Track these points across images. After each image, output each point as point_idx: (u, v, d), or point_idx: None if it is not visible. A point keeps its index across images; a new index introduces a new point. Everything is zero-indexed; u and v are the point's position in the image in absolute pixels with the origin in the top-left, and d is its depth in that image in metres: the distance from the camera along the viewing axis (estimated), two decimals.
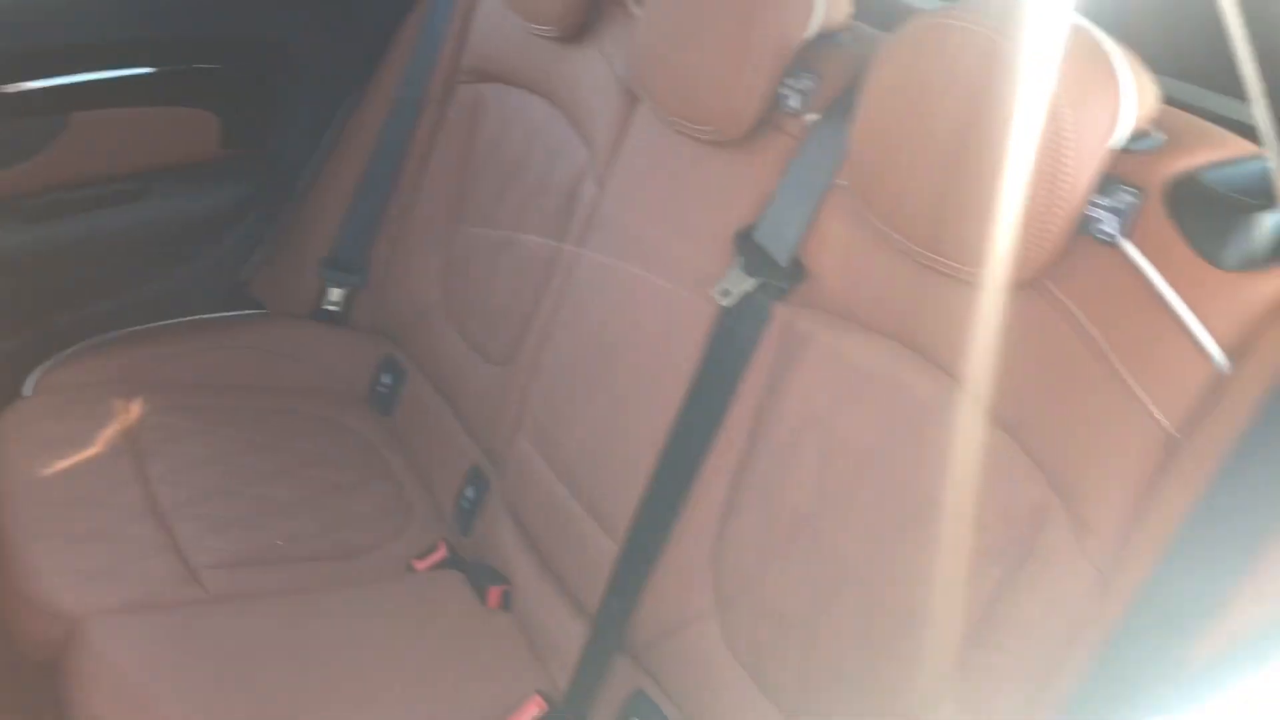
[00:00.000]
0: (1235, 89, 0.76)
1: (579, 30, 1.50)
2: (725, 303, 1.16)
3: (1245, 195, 0.82)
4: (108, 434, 1.65)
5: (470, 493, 1.63)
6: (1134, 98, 0.88)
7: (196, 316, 1.94)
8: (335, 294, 1.94)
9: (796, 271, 1.14)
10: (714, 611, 1.20)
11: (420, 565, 1.56)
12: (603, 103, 1.46)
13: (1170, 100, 0.93)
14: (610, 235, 1.39)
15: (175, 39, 1.79)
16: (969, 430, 0.95)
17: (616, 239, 1.38)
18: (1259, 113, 0.74)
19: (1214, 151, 0.88)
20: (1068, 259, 0.89)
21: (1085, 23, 0.90)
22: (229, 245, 1.96)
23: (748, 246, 1.17)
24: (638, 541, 1.27)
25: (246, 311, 1.97)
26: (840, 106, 1.12)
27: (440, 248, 1.79)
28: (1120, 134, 0.87)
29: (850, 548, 1.06)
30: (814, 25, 1.18)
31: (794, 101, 1.17)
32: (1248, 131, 0.82)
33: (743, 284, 1.15)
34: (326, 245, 1.92)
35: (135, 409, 1.69)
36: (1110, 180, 0.87)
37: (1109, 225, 0.87)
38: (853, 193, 1.06)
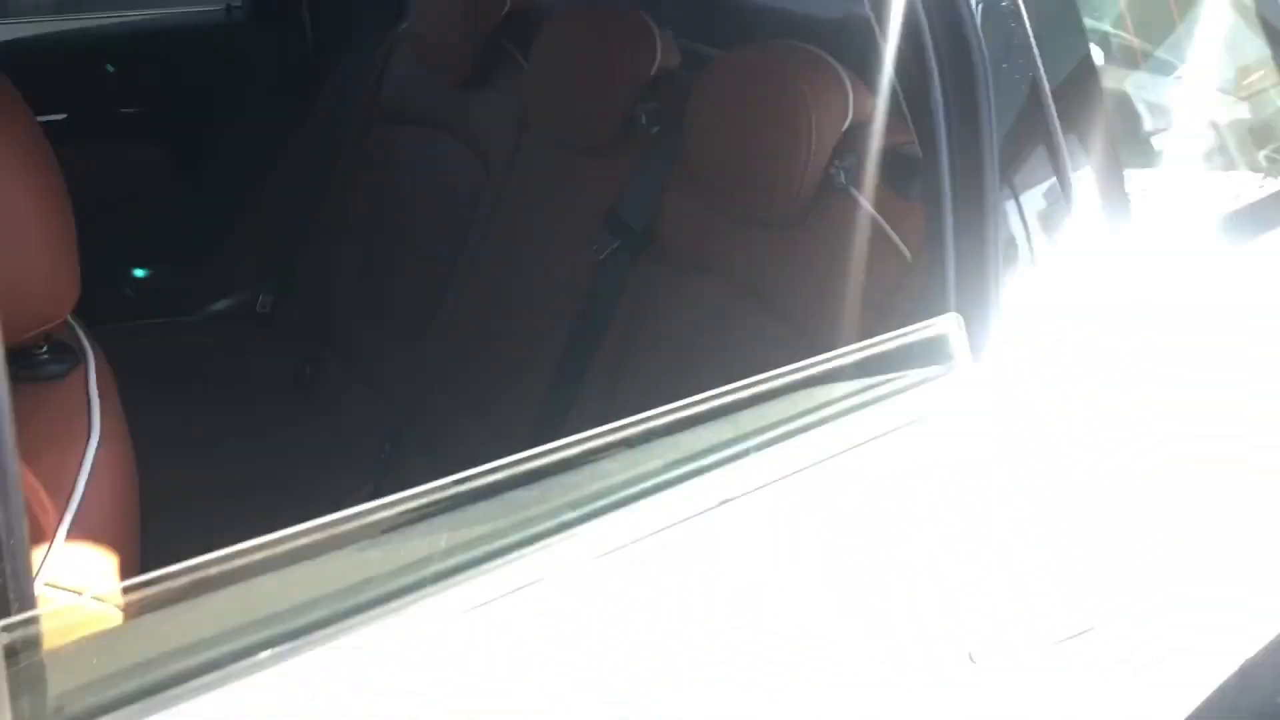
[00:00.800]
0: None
1: (478, 77, 1.97)
2: (599, 257, 1.63)
3: (918, 158, 1.34)
4: None
5: (388, 447, 2.02)
6: (854, 103, 1.39)
7: (140, 321, 2.29)
8: (265, 301, 2.31)
9: (648, 235, 1.61)
10: None
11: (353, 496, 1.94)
12: (498, 131, 1.93)
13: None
14: (507, 225, 1.85)
15: (146, 90, 2.18)
16: (760, 322, 1.43)
17: (512, 226, 1.83)
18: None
19: (901, 135, 1.40)
20: (818, 202, 1.39)
21: (827, 57, 1.41)
22: (171, 262, 2.33)
23: (613, 220, 1.65)
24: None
25: (186, 318, 2.33)
26: (675, 121, 1.61)
27: (359, 257, 2.20)
28: (847, 123, 1.39)
29: None
30: (655, 67, 1.68)
31: (644, 119, 1.67)
32: None
33: (610, 245, 1.63)
34: (259, 260, 2.30)
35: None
36: (842, 151, 1.38)
37: (842, 178, 1.37)
38: (686, 176, 1.55)
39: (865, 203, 1.36)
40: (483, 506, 0.85)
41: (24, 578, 0.65)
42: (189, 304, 2.33)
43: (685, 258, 1.58)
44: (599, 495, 0.87)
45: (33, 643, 0.65)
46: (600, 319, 1.66)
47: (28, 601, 0.65)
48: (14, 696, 0.63)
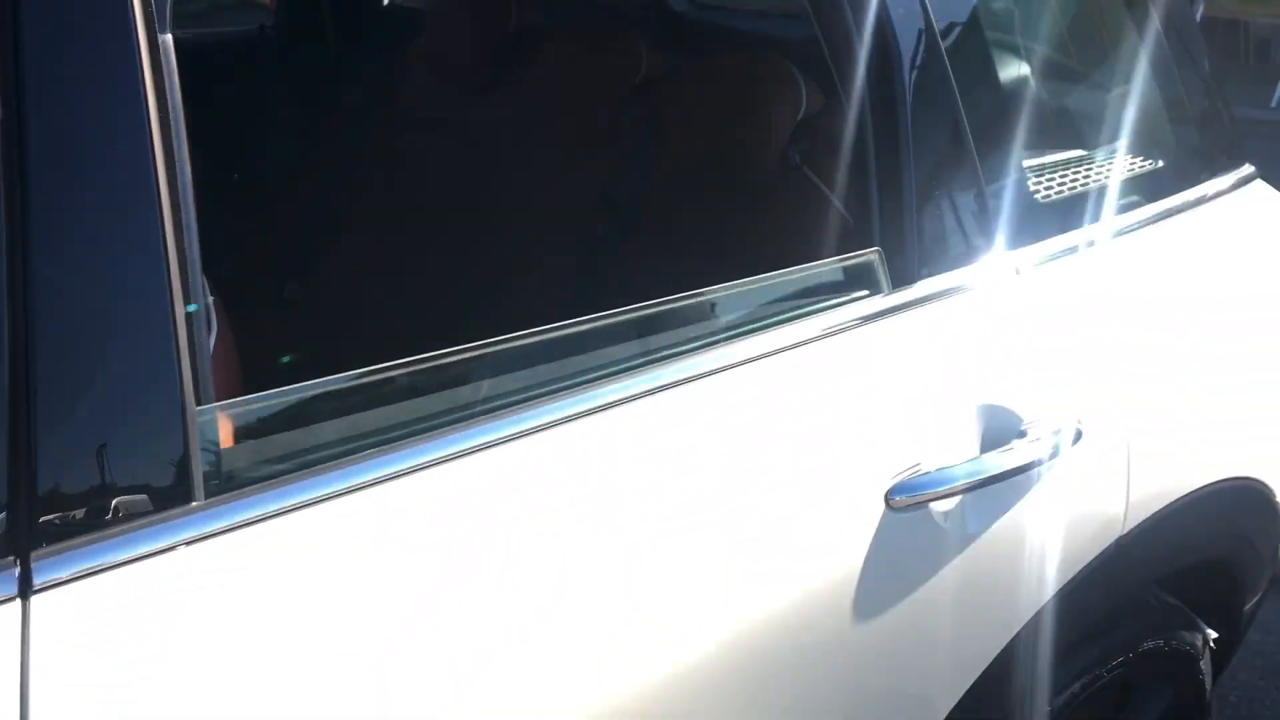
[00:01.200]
0: None
1: (486, 86, 2.26)
2: (594, 234, 1.92)
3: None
4: None
5: None
6: (806, 99, 1.70)
7: None
8: (290, 288, 2.58)
9: (636, 207, 1.91)
10: None
11: None
12: (504, 132, 2.22)
13: None
14: (512, 213, 2.13)
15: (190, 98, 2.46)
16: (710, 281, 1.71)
17: (517, 215, 2.12)
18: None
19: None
20: (777, 179, 1.68)
21: (785, 62, 1.72)
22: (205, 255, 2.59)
23: (606, 202, 1.94)
24: None
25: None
26: (658, 116, 1.91)
27: (376, 248, 2.48)
28: (801, 114, 1.69)
29: None
30: (640, 76, 1.99)
31: (632, 117, 1.96)
32: None
33: (603, 224, 1.92)
34: (286, 252, 2.57)
35: None
36: (798, 137, 1.68)
37: (797, 159, 1.67)
38: (668, 162, 1.84)
39: (815, 178, 1.66)
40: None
41: (206, 379, 0.92)
42: (220, 290, 2.59)
43: (668, 230, 1.87)
44: (595, 369, 1.16)
45: (213, 425, 0.92)
46: (597, 288, 1.94)
47: (209, 397, 0.92)
48: (202, 463, 0.90)
